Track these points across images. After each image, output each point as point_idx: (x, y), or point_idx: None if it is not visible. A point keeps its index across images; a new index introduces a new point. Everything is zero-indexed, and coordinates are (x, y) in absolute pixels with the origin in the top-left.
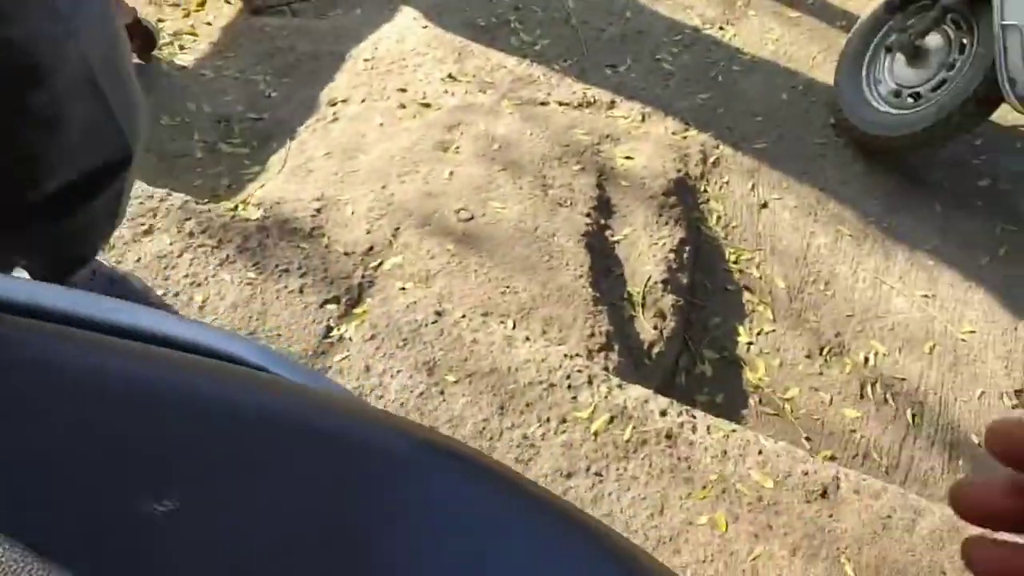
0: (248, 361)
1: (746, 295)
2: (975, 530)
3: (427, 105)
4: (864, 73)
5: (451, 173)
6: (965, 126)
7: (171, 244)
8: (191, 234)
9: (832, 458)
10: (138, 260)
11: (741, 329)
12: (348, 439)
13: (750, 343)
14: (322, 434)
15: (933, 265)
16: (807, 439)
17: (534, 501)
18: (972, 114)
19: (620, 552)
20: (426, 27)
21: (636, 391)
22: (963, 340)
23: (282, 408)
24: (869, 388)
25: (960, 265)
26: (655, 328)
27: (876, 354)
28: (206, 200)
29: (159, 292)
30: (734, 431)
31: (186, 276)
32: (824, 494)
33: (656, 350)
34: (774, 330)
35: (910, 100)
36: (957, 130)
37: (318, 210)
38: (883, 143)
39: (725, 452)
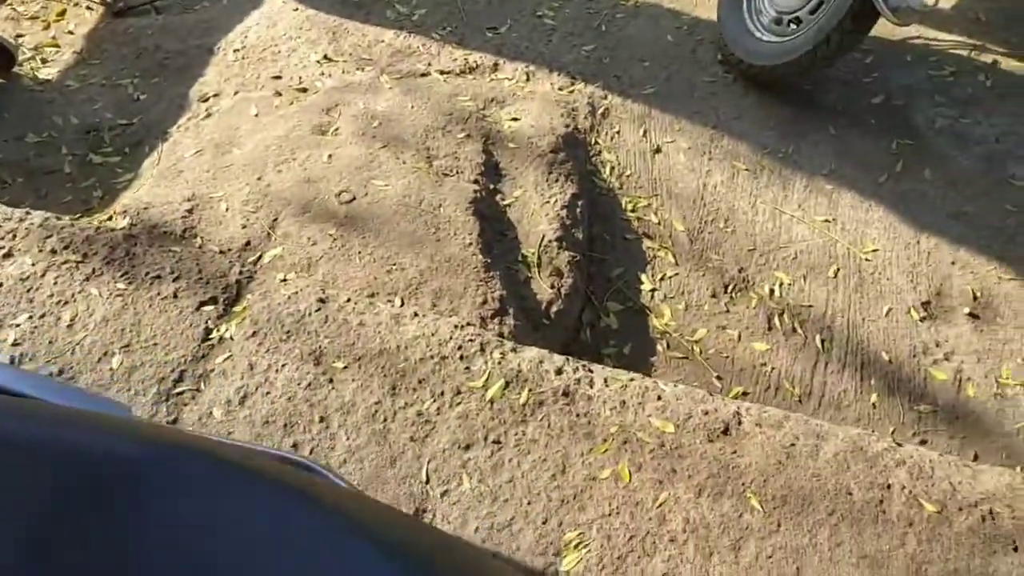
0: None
1: (646, 242)
2: (879, 447)
3: (303, 90)
4: (745, 5)
5: (330, 156)
6: (846, 45)
7: (33, 264)
8: (54, 251)
9: (744, 394)
10: (0, 285)
11: (644, 277)
12: (79, 451)
13: (654, 290)
14: (45, 446)
15: (832, 189)
16: (718, 378)
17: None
18: (851, 32)
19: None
20: (297, 9)
21: (531, 352)
22: (867, 260)
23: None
24: (776, 320)
25: (858, 186)
26: (552, 287)
27: (781, 285)
28: (78, 215)
29: (24, 315)
30: (632, 380)
31: (51, 296)
32: (726, 431)
33: (555, 309)
34: (677, 274)
35: (792, 26)
36: (839, 50)
37: (189, 211)
38: (770, 73)
39: (624, 402)
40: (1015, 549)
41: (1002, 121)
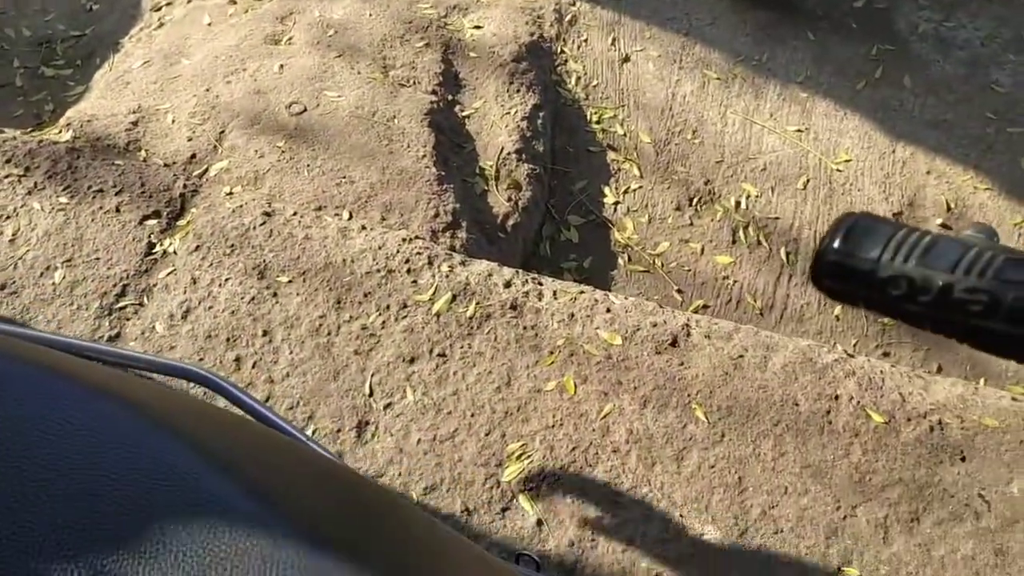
0: None
1: (611, 155)
2: (829, 358)
3: None
4: None
5: (282, 66)
6: None
7: None
8: None
9: (705, 307)
10: None
11: (607, 190)
12: None
13: (617, 203)
14: None
15: (806, 97)
16: (679, 291)
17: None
18: None
19: None
20: None
21: (480, 266)
22: (838, 170)
23: None
24: (741, 232)
25: (835, 93)
26: (509, 200)
27: (748, 197)
28: (29, 130)
29: None
30: (582, 292)
31: None
32: (674, 343)
33: (512, 222)
34: (641, 187)
35: None
36: None
37: (134, 123)
38: None
39: (572, 315)
40: (962, 459)
41: (988, 24)
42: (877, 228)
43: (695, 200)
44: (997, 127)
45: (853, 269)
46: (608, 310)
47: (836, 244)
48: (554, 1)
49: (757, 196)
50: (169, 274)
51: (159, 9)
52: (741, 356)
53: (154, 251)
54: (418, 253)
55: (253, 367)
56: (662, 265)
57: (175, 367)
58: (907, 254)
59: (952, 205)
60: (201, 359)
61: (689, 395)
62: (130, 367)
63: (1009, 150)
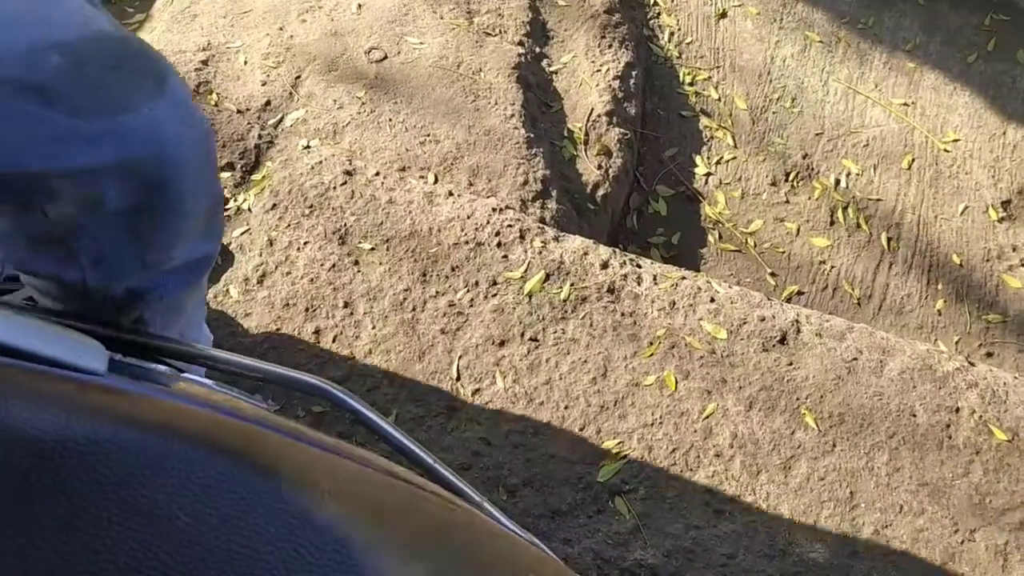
0: None
1: (704, 120)
2: (950, 367)
3: None
4: None
5: (360, 6)
6: None
7: None
8: None
9: (799, 293)
10: None
11: (698, 160)
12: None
13: (708, 174)
14: None
15: (914, 68)
16: (772, 275)
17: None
18: None
19: None
20: None
21: (575, 242)
22: (946, 151)
23: None
24: (840, 213)
25: (944, 65)
26: (600, 168)
27: (848, 175)
28: None
29: None
30: (684, 279)
31: None
32: (783, 340)
33: (602, 192)
34: (735, 158)
35: None
36: None
37: (204, 62)
38: None
39: (674, 303)
40: None
41: None
42: None
43: (792, 175)
44: None
45: None
46: (712, 300)
47: None
48: None
49: (858, 174)
50: (244, 233)
51: None
52: (855, 359)
53: (227, 207)
54: (509, 226)
55: (334, 341)
56: (755, 245)
57: (301, 382)
58: None
59: None
60: (278, 328)
61: (798, 399)
62: (248, 377)
63: None
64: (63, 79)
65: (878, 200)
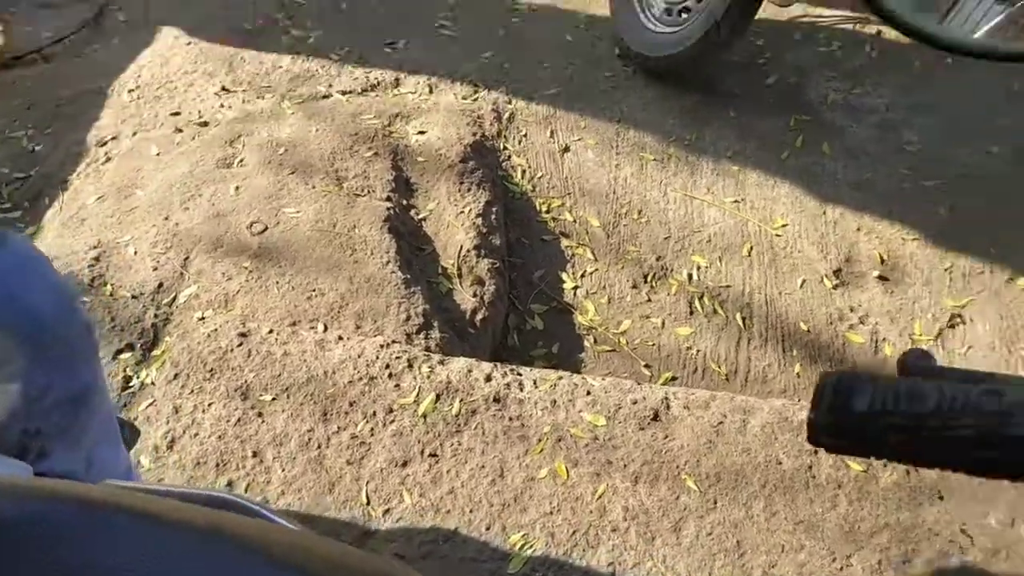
0: None
1: (564, 241)
2: (803, 414)
3: (204, 123)
4: (635, 0)
5: (238, 188)
6: (736, 30)
7: None
8: None
9: (673, 379)
10: None
11: (565, 276)
12: None
13: (576, 287)
14: None
15: (738, 170)
16: (646, 367)
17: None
18: (738, 18)
19: None
20: (190, 43)
21: (459, 363)
22: (777, 235)
23: None
24: (697, 303)
25: (763, 164)
26: (475, 295)
27: (699, 268)
28: None
29: None
30: (561, 378)
31: None
32: (656, 417)
33: (480, 316)
34: (597, 269)
35: (682, 16)
36: (730, 35)
37: (96, 258)
38: (667, 63)
39: (555, 401)
40: (940, 498)
41: (890, 92)
42: (857, 384)
43: (649, 277)
44: (913, 182)
45: (847, 428)
46: (588, 392)
47: (824, 407)
48: (491, 101)
49: (707, 267)
50: (149, 406)
51: (104, 144)
52: (721, 423)
53: (131, 384)
54: (397, 357)
55: (246, 489)
56: (627, 343)
57: (202, 496)
58: (893, 402)
59: (885, 257)
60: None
61: (678, 466)
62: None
63: (927, 202)
64: None
65: (728, 286)
